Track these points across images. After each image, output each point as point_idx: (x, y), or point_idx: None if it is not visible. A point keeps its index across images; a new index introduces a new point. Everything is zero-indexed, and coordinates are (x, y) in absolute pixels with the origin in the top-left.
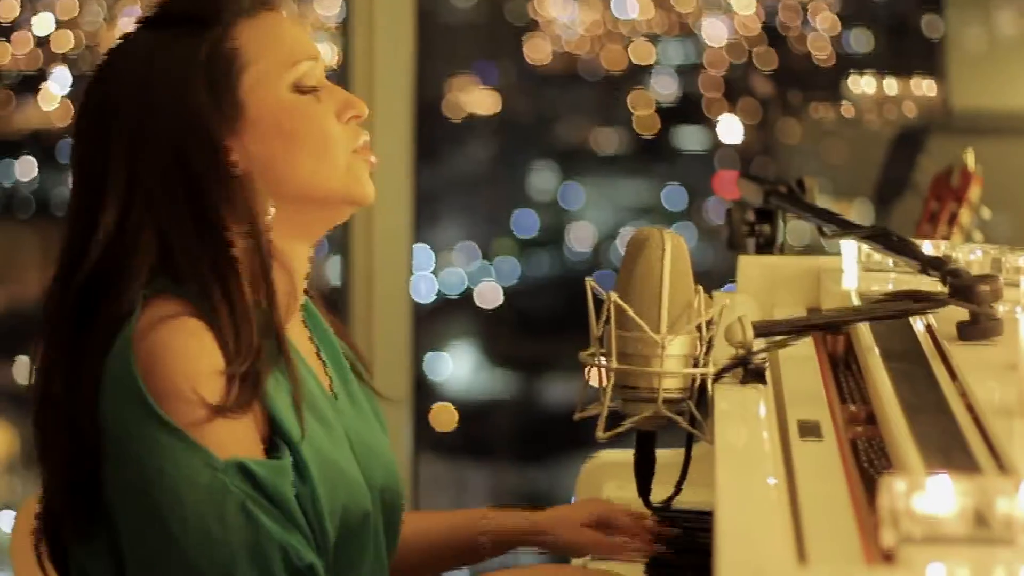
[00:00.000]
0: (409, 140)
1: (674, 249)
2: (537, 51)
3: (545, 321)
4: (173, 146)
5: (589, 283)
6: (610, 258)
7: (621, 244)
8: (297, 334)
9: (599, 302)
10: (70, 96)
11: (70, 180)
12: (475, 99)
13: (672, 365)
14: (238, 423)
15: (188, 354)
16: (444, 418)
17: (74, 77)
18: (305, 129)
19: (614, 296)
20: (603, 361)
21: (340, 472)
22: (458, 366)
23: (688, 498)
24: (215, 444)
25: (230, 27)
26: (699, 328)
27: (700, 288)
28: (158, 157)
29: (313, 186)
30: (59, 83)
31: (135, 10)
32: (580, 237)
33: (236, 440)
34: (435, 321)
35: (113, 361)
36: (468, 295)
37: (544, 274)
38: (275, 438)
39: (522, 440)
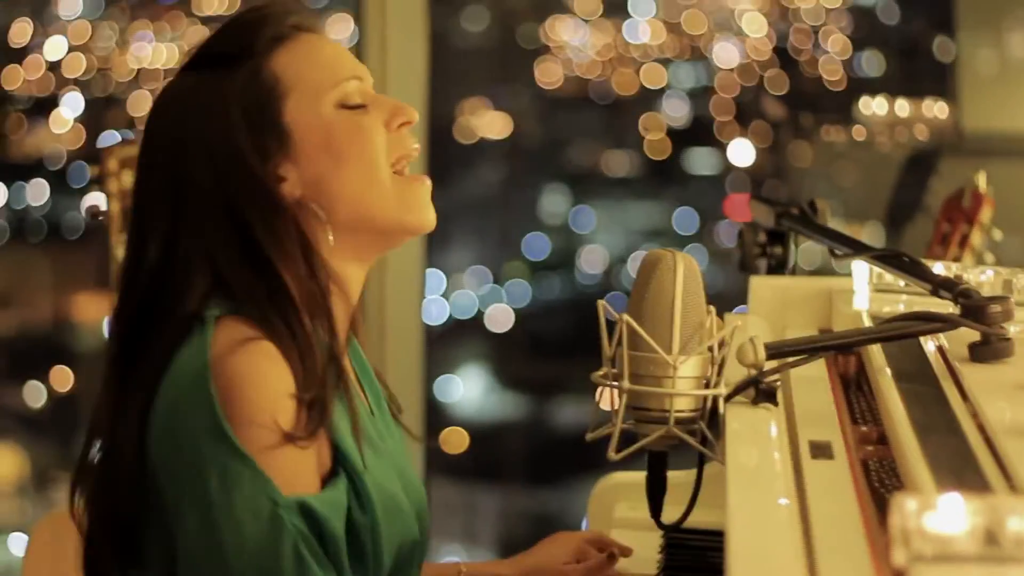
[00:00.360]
0: (422, 163)
1: (686, 270)
2: (548, 74)
3: (556, 344)
4: (216, 182)
5: (601, 304)
6: (621, 281)
7: (632, 267)
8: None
9: (611, 324)
10: (81, 120)
11: None
12: (487, 122)
13: (684, 386)
14: (304, 453)
15: (269, 380)
16: (455, 441)
17: (86, 101)
18: (350, 142)
19: (626, 317)
20: (615, 382)
21: (396, 503)
22: (469, 389)
23: (699, 518)
24: (280, 476)
25: (267, 56)
26: (711, 349)
27: (712, 309)
28: (201, 194)
29: (364, 206)
30: (71, 107)
31: (147, 34)
32: (591, 260)
33: (299, 472)
34: (446, 344)
35: (182, 382)
36: (479, 318)
37: (555, 297)
38: (336, 466)
39: (533, 463)
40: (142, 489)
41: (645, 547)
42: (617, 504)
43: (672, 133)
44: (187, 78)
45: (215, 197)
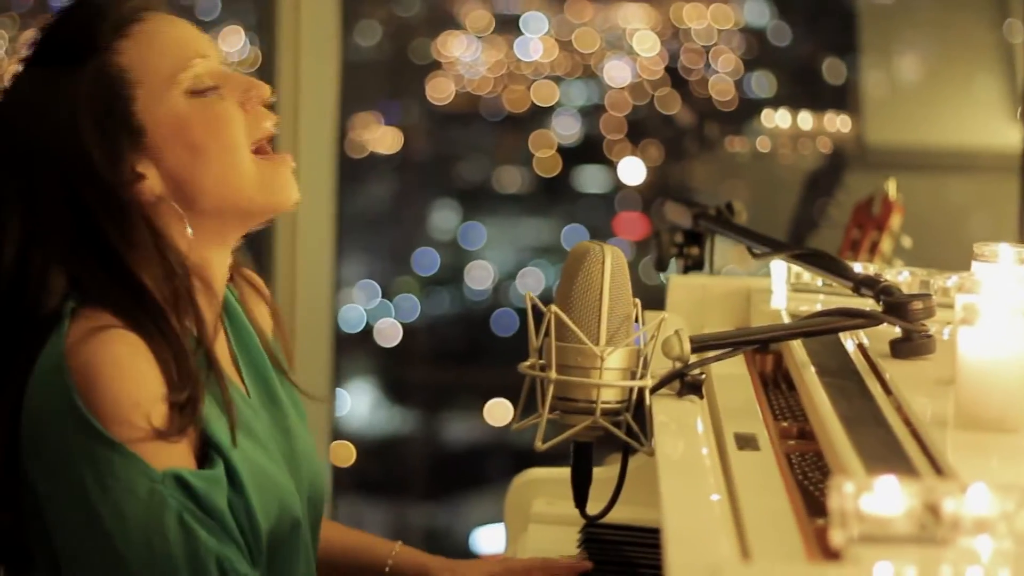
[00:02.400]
0: (332, 177)
1: (614, 263)
2: (440, 90)
3: (445, 359)
4: (65, 188)
5: (528, 295)
6: (510, 297)
7: (520, 284)
8: (218, 340)
9: (538, 316)
10: None
11: None
12: (377, 137)
13: (611, 377)
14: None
15: (129, 375)
16: (342, 454)
17: None
18: (207, 132)
19: (554, 308)
20: (542, 373)
21: (271, 480)
22: (357, 403)
23: (618, 514)
24: (151, 456)
25: (111, 49)
26: (637, 341)
27: (638, 302)
28: (51, 200)
29: (227, 193)
30: None
31: None
32: (480, 276)
33: (170, 453)
34: (335, 357)
35: (40, 379)
36: (368, 332)
37: (444, 312)
38: (207, 449)
39: (422, 477)
40: (17, 494)
41: (562, 543)
42: (534, 500)
43: (563, 150)
44: (30, 75)
45: (65, 203)
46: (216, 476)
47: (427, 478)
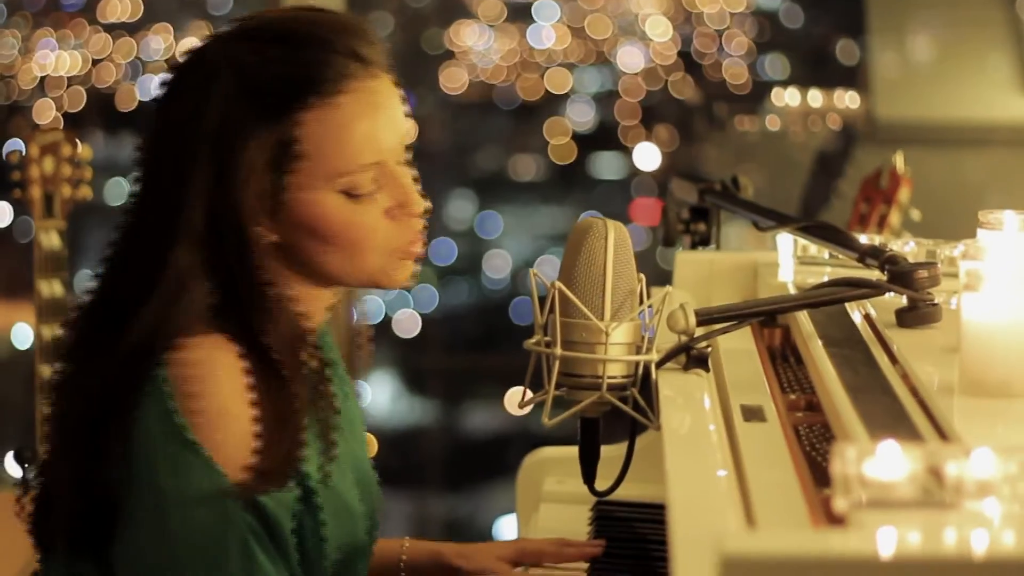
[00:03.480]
0: None
1: (617, 238)
2: (453, 80)
3: (464, 349)
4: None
5: (533, 272)
6: (528, 285)
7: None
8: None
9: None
10: None
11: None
12: None
13: (616, 352)
14: (256, 447)
15: (225, 373)
16: None
17: None
18: (341, 234)
19: (558, 284)
20: (548, 349)
21: (348, 510)
22: (377, 394)
23: (628, 491)
24: (231, 468)
25: (299, 119)
26: (642, 316)
27: (643, 277)
28: (192, 228)
29: (342, 278)
30: None
31: (51, 41)
32: (497, 265)
33: (248, 455)
34: None
35: (147, 384)
36: (386, 323)
37: (462, 302)
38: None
39: (443, 467)
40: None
41: (574, 521)
42: (545, 478)
43: (577, 138)
44: (221, 84)
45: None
46: (288, 500)
47: (448, 468)
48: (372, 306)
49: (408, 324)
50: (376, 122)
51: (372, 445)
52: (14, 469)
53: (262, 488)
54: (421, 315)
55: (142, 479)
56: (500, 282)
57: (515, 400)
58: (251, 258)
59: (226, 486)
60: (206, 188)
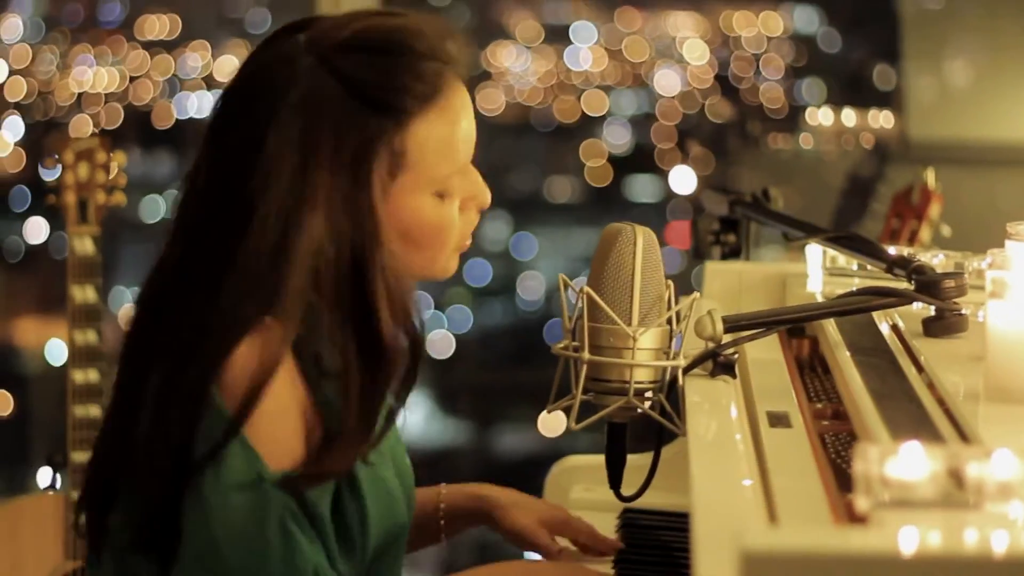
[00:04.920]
0: None
1: (646, 243)
2: (490, 101)
3: (498, 370)
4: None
5: (561, 277)
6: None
7: (573, 295)
8: None
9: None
10: (22, 144)
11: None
12: None
13: (643, 357)
14: (296, 430)
15: (271, 363)
16: None
17: (27, 125)
18: (430, 235)
19: (587, 289)
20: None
21: (389, 491)
22: (410, 415)
23: (655, 500)
24: (269, 451)
25: (410, 118)
26: (669, 322)
27: (671, 283)
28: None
29: (411, 276)
30: (11, 131)
31: (89, 58)
32: (531, 287)
33: (289, 449)
34: None
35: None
36: None
37: (497, 323)
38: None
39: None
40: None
41: (601, 528)
42: (573, 486)
43: (613, 160)
44: (325, 86)
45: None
46: (327, 486)
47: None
48: None
49: (442, 345)
50: (470, 124)
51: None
52: (45, 476)
53: (304, 486)
54: (455, 336)
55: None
56: (534, 304)
57: (549, 423)
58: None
59: (263, 470)
60: (330, 207)
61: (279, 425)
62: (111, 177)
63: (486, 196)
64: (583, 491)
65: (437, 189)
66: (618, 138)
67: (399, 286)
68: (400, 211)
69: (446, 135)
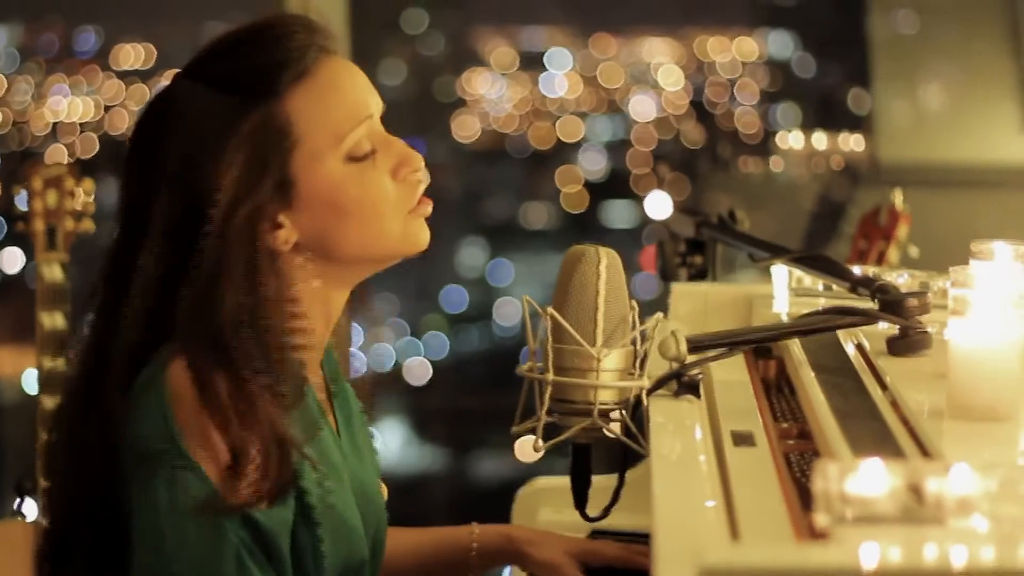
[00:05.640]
0: None
1: (609, 265)
2: (465, 128)
3: (474, 396)
4: (192, 212)
5: (525, 299)
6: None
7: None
8: (315, 378)
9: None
10: None
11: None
12: None
13: (608, 378)
14: (253, 464)
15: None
16: None
17: (2, 155)
18: (358, 201)
19: (551, 310)
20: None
21: (346, 525)
22: (387, 441)
23: (622, 521)
24: (225, 487)
25: (283, 98)
26: (634, 342)
27: (635, 304)
28: (173, 218)
29: (365, 252)
30: None
31: (64, 88)
32: (508, 313)
33: (247, 486)
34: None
35: (142, 398)
36: (397, 371)
37: (473, 349)
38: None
39: (452, 515)
40: (108, 513)
41: None
42: (540, 508)
43: (589, 186)
44: (196, 95)
45: (186, 232)
46: (285, 519)
47: (458, 515)
48: (384, 354)
49: (419, 371)
50: (355, 83)
51: (382, 491)
52: (15, 502)
53: (251, 504)
54: (432, 362)
55: (146, 499)
56: (511, 329)
57: (525, 448)
58: (263, 267)
59: (219, 503)
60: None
61: (225, 450)
62: (79, 204)
63: (414, 159)
64: (551, 513)
65: (344, 152)
66: (594, 164)
67: (304, 297)
68: (316, 183)
69: (326, 95)
